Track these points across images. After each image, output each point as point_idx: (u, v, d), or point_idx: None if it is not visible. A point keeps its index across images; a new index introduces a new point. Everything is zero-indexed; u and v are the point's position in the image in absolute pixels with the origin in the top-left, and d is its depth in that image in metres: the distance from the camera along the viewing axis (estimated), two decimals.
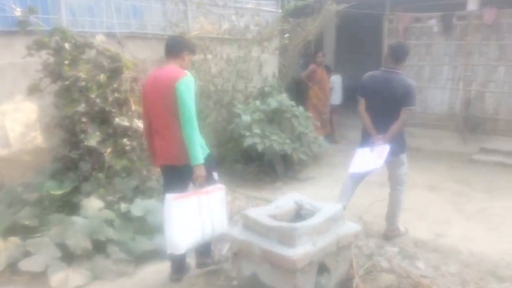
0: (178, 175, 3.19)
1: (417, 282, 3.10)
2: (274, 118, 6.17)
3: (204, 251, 3.40)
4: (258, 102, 6.02)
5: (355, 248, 3.83)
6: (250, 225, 2.95)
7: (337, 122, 8.74)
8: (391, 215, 4.14)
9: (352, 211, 4.36)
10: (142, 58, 5.25)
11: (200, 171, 3.06)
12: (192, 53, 3.35)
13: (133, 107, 4.17)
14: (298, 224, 2.78)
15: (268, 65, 6.73)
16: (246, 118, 5.70)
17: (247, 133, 5.66)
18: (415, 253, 3.78)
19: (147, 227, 3.83)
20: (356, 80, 9.99)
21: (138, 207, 3.94)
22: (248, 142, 5.58)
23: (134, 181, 4.30)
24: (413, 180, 5.87)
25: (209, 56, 6.00)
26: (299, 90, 8.14)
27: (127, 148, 4.22)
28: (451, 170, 6.24)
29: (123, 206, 3.97)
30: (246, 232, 2.95)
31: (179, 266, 3.30)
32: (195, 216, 3.06)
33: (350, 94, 10.93)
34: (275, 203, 3.29)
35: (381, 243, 4.02)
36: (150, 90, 3.17)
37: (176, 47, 3.22)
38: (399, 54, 3.91)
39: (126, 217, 3.90)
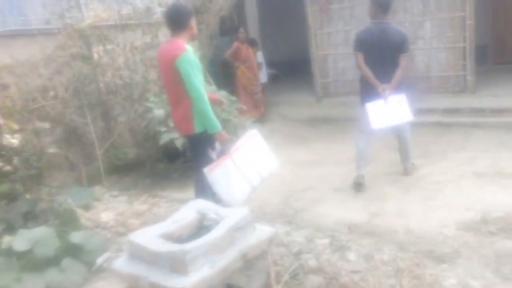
0: (193, 143, 3.39)
1: (344, 284, 2.69)
2: None
3: None
4: None
5: (282, 246, 3.43)
6: (137, 253, 2.42)
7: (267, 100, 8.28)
8: (405, 153, 4.53)
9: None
10: (25, 58, 4.53)
11: (222, 137, 3.24)
12: (193, 16, 3.28)
13: (1, 121, 3.48)
14: (190, 246, 2.27)
15: None
16: (159, 112, 5.08)
17: (163, 129, 5.07)
18: (347, 242, 3.40)
19: (36, 262, 3.22)
20: (283, 55, 9.64)
21: (22, 239, 3.30)
22: (165, 138, 4.98)
23: (22, 207, 3.66)
24: (344, 154, 5.56)
25: (110, 47, 5.31)
26: (226, 72, 7.61)
27: (6, 170, 3.55)
28: (387, 137, 5.92)
29: (6, 240, 3.33)
30: (132, 263, 2.41)
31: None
32: (235, 175, 3.23)
33: (283, 69, 10.66)
34: (173, 216, 2.77)
35: (311, 235, 3.61)
36: (160, 65, 3.29)
37: (182, 17, 3.15)
38: (387, 5, 4.06)
39: (9, 253, 3.27)
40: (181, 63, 3.00)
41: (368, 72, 4.07)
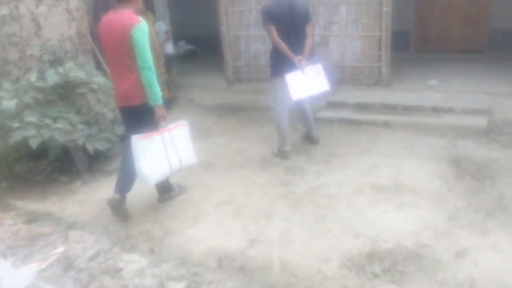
0: (136, 114, 3.38)
1: None
2: (67, 95, 4.68)
3: (164, 188, 3.81)
4: (33, 77, 4.44)
5: None
6: None
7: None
8: (310, 123, 4.85)
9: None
10: None
11: (161, 112, 3.37)
12: None
13: None
14: None
15: (54, 23, 5.07)
16: (8, 104, 4.13)
17: (16, 124, 4.13)
18: (210, 284, 2.78)
19: None
20: (202, 30, 8.75)
21: None
22: (16, 137, 4.07)
23: None
24: (242, 154, 4.93)
25: None
26: None
27: None
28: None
29: None
30: None
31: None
32: (160, 152, 3.39)
33: (201, 45, 9.79)
34: None
35: (170, 271, 2.96)
36: (105, 35, 3.28)
37: None
38: None
39: None
40: (136, 33, 3.09)
41: (283, 45, 4.12)
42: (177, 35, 10.13)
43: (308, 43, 4.28)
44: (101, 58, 6.07)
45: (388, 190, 3.81)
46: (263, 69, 6.85)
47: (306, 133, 4.97)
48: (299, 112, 4.80)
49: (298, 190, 3.96)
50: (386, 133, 5.09)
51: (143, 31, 3.13)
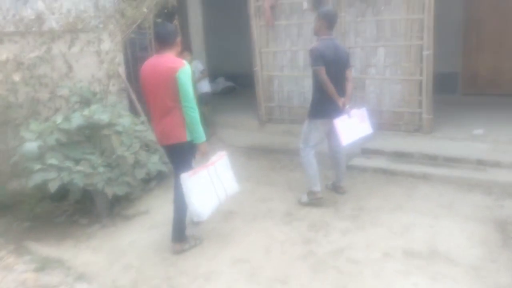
0: (180, 152, 3.54)
1: None
2: (93, 136, 4.65)
3: (180, 236, 3.74)
4: (59, 119, 4.44)
5: None
6: None
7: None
8: (341, 172, 4.69)
9: None
10: None
11: (205, 148, 3.56)
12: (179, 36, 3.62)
13: None
14: None
15: (85, 64, 5.13)
16: (31, 145, 4.12)
17: (37, 166, 4.11)
18: None
19: None
20: (237, 67, 8.70)
21: None
22: (35, 179, 4.04)
23: None
24: (266, 203, 4.66)
25: None
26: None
27: None
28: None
29: None
30: None
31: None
32: (208, 186, 3.54)
33: (239, 82, 9.74)
34: None
35: None
36: (150, 77, 3.46)
37: (172, 36, 3.50)
38: (335, 20, 4.26)
39: None
40: (181, 75, 3.32)
41: (331, 86, 4.09)
42: (216, 72, 10.25)
43: (349, 87, 4.32)
44: (133, 97, 6.10)
45: (421, 257, 3.41)
46: (295, 110, 6.65)
47: (334, 182, 4.71)
48: (332, 158, 4.61)
49: (321, 251, 3.63)
50: (424, 186, 4.68)
51: (187, 73, 3.36)
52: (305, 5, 6.16)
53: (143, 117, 6.08)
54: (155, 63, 3.46)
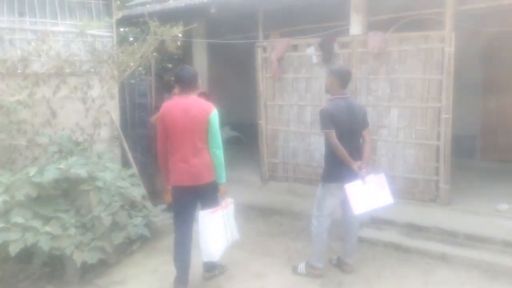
0: (206, 192, 3.62)
1: None
2: (69, 192, 4.18)
3: (211, 264, 3.86)
4: (33, 171, 3.97)
5: None
6: None
7: None
8: (351, 248, 4.12)
9: None
10: None
11: (225, 188, 3.78)
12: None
13: None
14: None
15: (71, 111, 4.72)
16: None
17: (0, 225, 3.61)
18: None
19: None
20: (242, 117, 8.31)
21: None
22: None
23: None
24: (258, 280, 4.04)
25: None
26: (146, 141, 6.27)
27: None
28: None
29: None
30: None
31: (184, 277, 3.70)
32: (222, 226, 3.68)
33: (243, 132, 9.32)
34: None
35: None
36: (179, 118, 3.47)
37: (194, 78, 3.62)
38: (349, 78, 3.92)
39: None
40: (213, 118, 3.46)
41: (343, 151, 3.68)
42: (222, 121, 9.88)
43: (367, 149, 3.87)
44: (125, 146, 5.67)
45: None
46: (300, 168, 6.15)
47: (341, 257, 4.14)
48: (344, 229, 4.10)
49: None
50: (443, 269, 4.05)
51: (217, 116, 3.51)
52: (315, 59, 5.80)
53: (134, 169, 5.63)
54: (185, 105, 3.49)
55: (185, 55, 8.20)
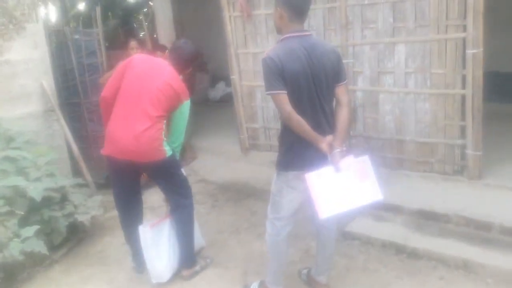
0: (148, 172, 3.09)
1: None
2: None
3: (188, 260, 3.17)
4: None
5: None
6: None
7: None
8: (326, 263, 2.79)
9: None
10: None
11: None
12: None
13: None
14: None
15: None
16: None
17: None
18: None
19: None
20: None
21: None
22: None
23: None
24: None
25: None
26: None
27: None
28: None
29: None
30: None
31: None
32: (166, 241, 3.07)
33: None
34: None
35: None
36: (142, 77, 2.83)
37: (191, 62, 3.08)
38: (303, 5, 2.40)
39: None
40: (184, 108, 2.90)
41: (302, 122, 2.32)
42: (217, 76, 8.51)
43: (343, 116, 2.43)
44: (62, 122, 4.51)
45: None
46: None
47: (312, 272, 2.84)
48: (316, 236, 2.77)
49: None
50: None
51: (189, 107, 2.93)
52: None
53: (74, 151, 4.53)
54: (158, 70, 2.86)
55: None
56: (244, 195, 4.50)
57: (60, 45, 5.28)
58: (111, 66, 5.05)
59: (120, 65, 2.99)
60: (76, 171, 4.79)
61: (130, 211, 3.14)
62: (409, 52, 3.69)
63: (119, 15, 9.15)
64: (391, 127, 3.92)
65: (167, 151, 2.88)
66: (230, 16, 4.77)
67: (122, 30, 8.54)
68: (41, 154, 3.87)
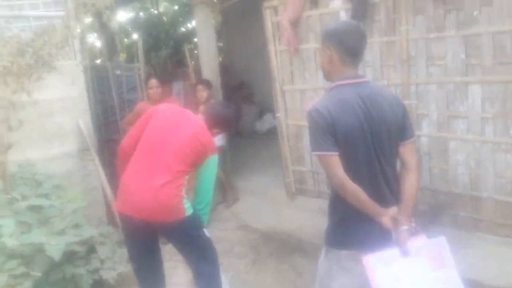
0: (167, 233, 2.65)
1: None
2: None
3: None
4: None
5: None
6: None
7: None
8: None
9: None
10: None
11: None
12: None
13: None
14: None
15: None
16: None
17: None
18: None
19: None
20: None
21: None
22: None
23: None
24: None
25: None
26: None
27: None
28: None
29: None
30: None
31: None
32: None
33: None
34: None
35: None
36: (167, 124, 2.58)
37: (223, 125, 2.84)
38: (357, 45, 1.94)
39: None
40: (211, 164, 2.59)
41: (357, 190, 1.85)
42: (265, 108, 8.16)
43: (411, 182, 1.96)
44: (97, 162, 4.27)
45: None
46: None
47: None
48: None
49: None
50: None
51: (216, 163, 2.63)
52: (343, 15, 3.78)
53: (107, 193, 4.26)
54: (186, 120, 2.61)
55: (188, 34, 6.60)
56: (289, 249, 4.00)
57: (102, 80, 5.14)
58: (131, 109, 4.82)
59: (145, 115, 2.68)
60: (113, 214, 4.54)
61: (147, 279, 2.75)
62: (486, 94, 3.09)
63: (171, 45, 9.14)
64: (464, 181, 3.29)
65: (187, 209, 2.53)
66: (276, 50, 4.38)
67: (171, 61, 8.47)
68: (69, 200, 3.62)
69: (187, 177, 2.54)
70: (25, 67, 3.05)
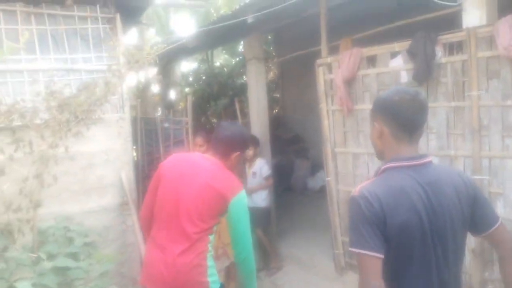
0: None
1: None
2: None
3: None
4: None
5: None
6: None
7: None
8: None
9: None
10: None
11: None
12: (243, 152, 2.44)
13: None
14: None
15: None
16: None
17: None
18: None
19: None
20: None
21: None
22: None
23: None
24: None
25: None
26: None
27: None
28: None
29: None
30: None
31: None
32: None
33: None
34: None
35: None
36: (175, 181, 2.26)
37: (235, 146, 2.33)
38: (415, 118, 1.57)
39: None
40: (236, 207, 2.20)
41: None
42: (318, 164, 7.77)
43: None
44: (134, 217, 4.10)
45: None
46: None
47: None
48: None
49: None
50: None
51: (244, 204, 2.24)
52: (404, 76, 3.41)
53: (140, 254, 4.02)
54: (194, 164, 2.30)
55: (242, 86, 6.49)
56: None
57: (150, 132, 5.08)
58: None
59: (154, 176, 2.41)
60: None
61: None
62: None
63: (229, 95, 9.15)
64: None
65: (212, 283, 2.19)
66: (328, 109, 4.07)
67: (224, 112, 8.41)
68: (99, 261, 3.41)
69: (212, 235, 2.23)
70: (64, 122, 2.98)
